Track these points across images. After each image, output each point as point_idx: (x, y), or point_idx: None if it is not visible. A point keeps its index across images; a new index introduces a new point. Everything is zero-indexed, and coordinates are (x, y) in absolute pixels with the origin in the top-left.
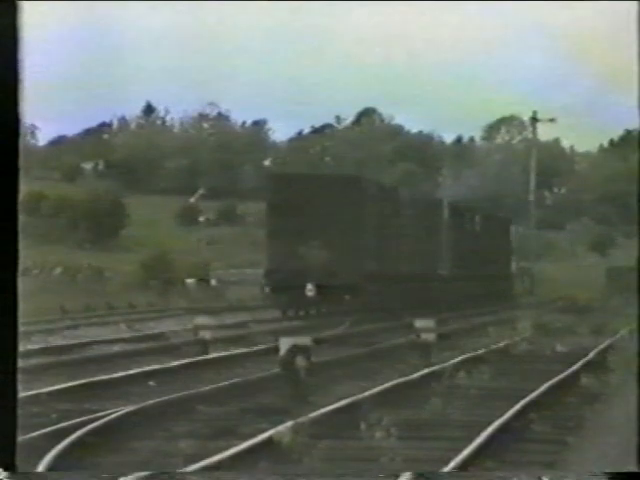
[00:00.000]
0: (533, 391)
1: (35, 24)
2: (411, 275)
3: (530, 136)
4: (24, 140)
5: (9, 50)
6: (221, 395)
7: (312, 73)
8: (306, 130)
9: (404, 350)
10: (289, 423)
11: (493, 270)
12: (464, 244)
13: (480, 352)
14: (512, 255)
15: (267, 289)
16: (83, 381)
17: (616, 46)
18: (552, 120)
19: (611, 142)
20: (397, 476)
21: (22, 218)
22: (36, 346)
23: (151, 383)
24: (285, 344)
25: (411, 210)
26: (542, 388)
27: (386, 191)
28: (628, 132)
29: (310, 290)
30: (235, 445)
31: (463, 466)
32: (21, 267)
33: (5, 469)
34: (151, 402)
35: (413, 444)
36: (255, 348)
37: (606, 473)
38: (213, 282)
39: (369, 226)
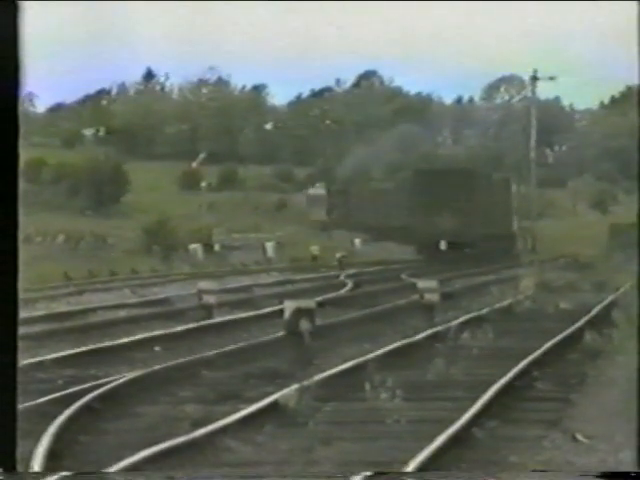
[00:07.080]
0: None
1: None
2: (501, 234)
3: (530, 95)
4: (22, 107)
5: (9, 43)
6: (226, 359)
7: (311, 36)
8: (305, 94)
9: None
10: (294, 386)
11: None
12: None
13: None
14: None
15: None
16: (88, 347)
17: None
18: (552, 78)
19: (612, 98)
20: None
21: (23, 185)
22: (40, 312)
23: (156, 348)
24: (289, 307)
25: (498, 188)
26: (546, 346)
27: (485, 177)
28: (628, 88)
29: (442, 245)
30: (241, 409)
31: (467, 426)
32: (23, 235)
33: (4, 469)
34: (157, 367)
35: (417, 405)
36: (256, 312)
37: (602, 473)
38: (216, 247)
39: (478, 201)
